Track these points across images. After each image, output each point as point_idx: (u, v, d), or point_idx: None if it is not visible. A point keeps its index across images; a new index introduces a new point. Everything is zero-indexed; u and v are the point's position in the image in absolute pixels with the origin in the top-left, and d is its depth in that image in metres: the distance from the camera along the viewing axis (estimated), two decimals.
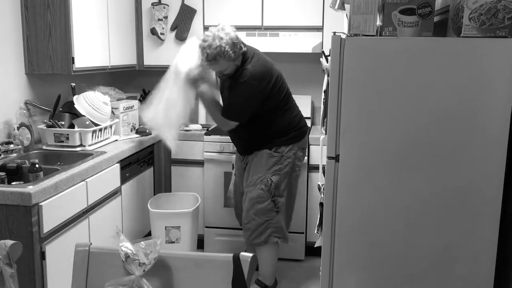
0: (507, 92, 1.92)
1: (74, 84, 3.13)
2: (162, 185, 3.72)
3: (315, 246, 2.59)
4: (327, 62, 2.31)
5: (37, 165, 2.41)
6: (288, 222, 3.01)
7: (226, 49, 2.62)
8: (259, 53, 2.86)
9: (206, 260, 1.38)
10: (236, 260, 1.31)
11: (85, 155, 2.77)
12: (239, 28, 3.64)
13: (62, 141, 2.90)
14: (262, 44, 3.62)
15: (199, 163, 3.57)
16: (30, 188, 2.11)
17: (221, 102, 2.98)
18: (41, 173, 2.41)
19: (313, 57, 3.80)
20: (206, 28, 3.71)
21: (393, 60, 1.98)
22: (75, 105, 2.99)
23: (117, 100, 3.46)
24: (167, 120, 2.86)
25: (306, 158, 3.37)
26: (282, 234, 2.91)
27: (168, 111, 2.83)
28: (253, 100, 2.74)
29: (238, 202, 3.16)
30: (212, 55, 2.65)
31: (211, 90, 2.92)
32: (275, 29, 3.64)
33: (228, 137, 3.16)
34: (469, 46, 1.92)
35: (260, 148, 2.87)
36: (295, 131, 2.91)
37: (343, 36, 2.01)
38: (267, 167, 2.84)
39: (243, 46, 2.76)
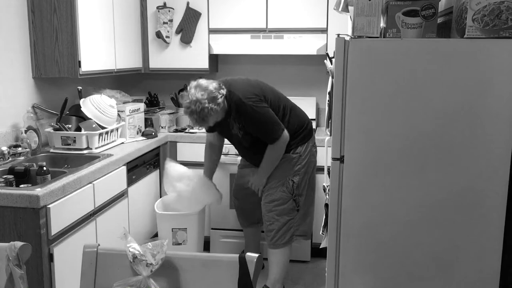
0: (511, 93, 1.92)
1: (81, 88, 3.16)
2: None
3: (320, 247, 2.60)
4: (332, 64, 2.32)
5: (44, 168, 2.44)
6: (308, 218, 3.02)
7: (210, 107, 2.59)
8: (233, 81, 2.81)
9: (212, 260, 1.39)
10: (242, 261, 1.32)
11: (92, 158, 2.80)
12: (243, 31, 3.68)
13: (69, 144, 2.93)
14: (267, 46, 3.63)
15: None
16: (38, 191, 2.13)
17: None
18: (49, 175, 2.44)
19: (318, 59, 3.81)
20: (211, 31, 3.73)
21: (397, 61, 1.99)
22: (81, 108, 3.01)
23: (123, 103, 3.48)
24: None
25: None
26: (303, 232, 2.98)
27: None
28: (267, 109, 2.74)
29: (241, 204, 3.20)
30: (200, 119, 2.65)
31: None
32: (280, 31, 3.65)
33: None
34: (473, 47, 1.93)
35: None
36: (306, 129, 2.94)
37: (347, 38, 2.02)
38: (287, 170, 2.86)
39: (223, 91, 2.68)
